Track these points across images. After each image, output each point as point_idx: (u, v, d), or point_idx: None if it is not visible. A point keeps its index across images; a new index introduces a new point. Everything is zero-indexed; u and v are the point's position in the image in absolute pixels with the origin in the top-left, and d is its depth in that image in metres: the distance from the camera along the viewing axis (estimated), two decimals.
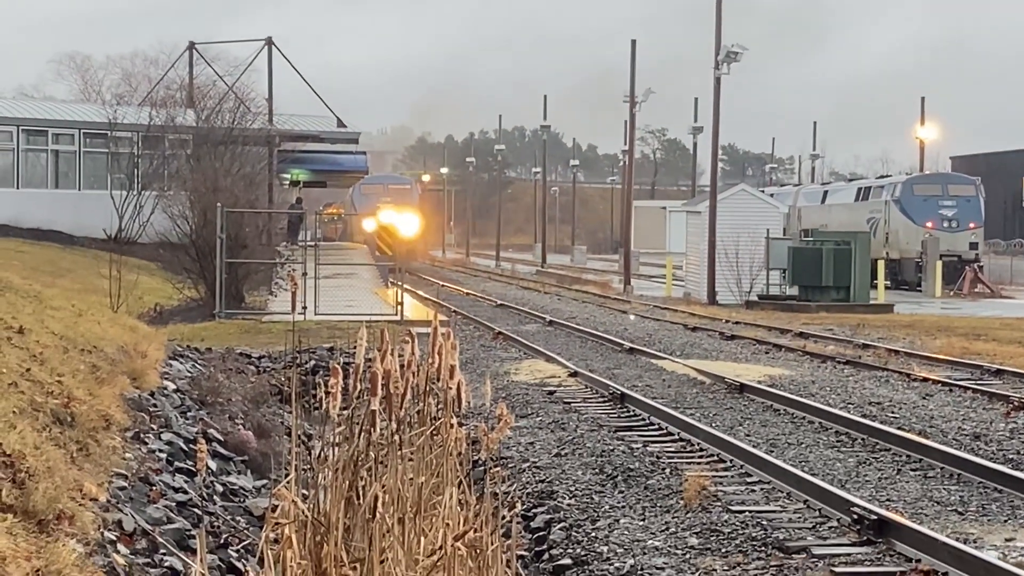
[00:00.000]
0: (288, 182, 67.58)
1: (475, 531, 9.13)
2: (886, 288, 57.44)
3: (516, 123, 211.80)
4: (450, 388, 9.80)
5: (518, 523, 13.35)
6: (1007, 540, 11.81)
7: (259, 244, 41.75)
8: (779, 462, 14.70)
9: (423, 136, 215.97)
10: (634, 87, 65.82)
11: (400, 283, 36.17)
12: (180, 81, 67.06)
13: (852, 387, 23.09)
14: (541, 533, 12.91)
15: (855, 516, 11.91)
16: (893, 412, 19.92)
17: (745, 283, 50.97)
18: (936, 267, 60.17)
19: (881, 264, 55.40)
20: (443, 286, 61.55)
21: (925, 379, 24.04)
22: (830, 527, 12.22)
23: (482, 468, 12.26)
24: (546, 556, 12.17)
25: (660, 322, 39.19)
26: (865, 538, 11.63)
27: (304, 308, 31.90)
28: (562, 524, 12.88)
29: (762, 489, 13.99)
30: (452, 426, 9.76)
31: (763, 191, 64.26)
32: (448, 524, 9.03)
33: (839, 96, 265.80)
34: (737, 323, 38.20)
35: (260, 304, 39.11)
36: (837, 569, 10.76)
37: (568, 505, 13.63)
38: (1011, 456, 16.16)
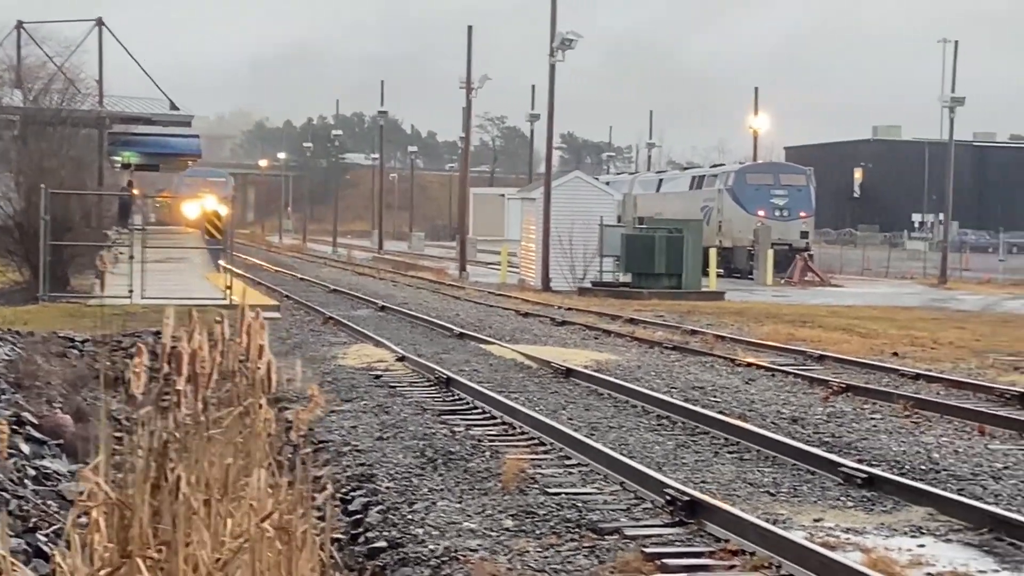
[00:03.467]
0: (119, 164, 66.59)
1: (283, 513, 9.05)
2: (719, 276, 58.14)
3: (356, 109, 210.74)
4: (258, 368, 9.67)
5: (336, 506, 13.30)
6: (815, 520, 11.99)
7: (87, 227, 41.06)
8: (598, 445, 14.77)
9: (261, 121, 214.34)
10: (470, 73, 65.96)
11: (230, 267, 35.85)
12: (8, 61, 65.70)
13: (677, 372, 23.31)
14: (358, 516, 12.84)
15: (668, 497, 12.00)
16: (715, 396, 20.15)
17: (579, 270, 51.25)
18: (768, 256, 61.03)
19: (713, 252, 56.00)
20: (277, 271, 61.15)
21: (749, 364, 24.36)
22: (644, 509, 12.30)
23: (300, 451, 12.15)
24: (362, 539, 12.10)
25: (492, 308, 39.24)
26: (677, 519, 11.72)
27: (131, 291, 31.47)
28: (380, 507, 12.81)
29: (580, 472, 14.04)
30: (260, 406, 9.64)
31: (598, 179, 64.70)
32: (254, 506, 8.93)
33: (679, 86, 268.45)
34: (569, 309, 38.39)
35: (87, 288, 38.48)
36: (648, 550, 10.81)
37: (387, 488, 13.56)
38: (826, 439, 16.41)
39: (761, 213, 64.11)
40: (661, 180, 78.01)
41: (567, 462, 14.57)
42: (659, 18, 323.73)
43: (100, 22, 65.30)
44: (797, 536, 10.80)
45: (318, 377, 22.06)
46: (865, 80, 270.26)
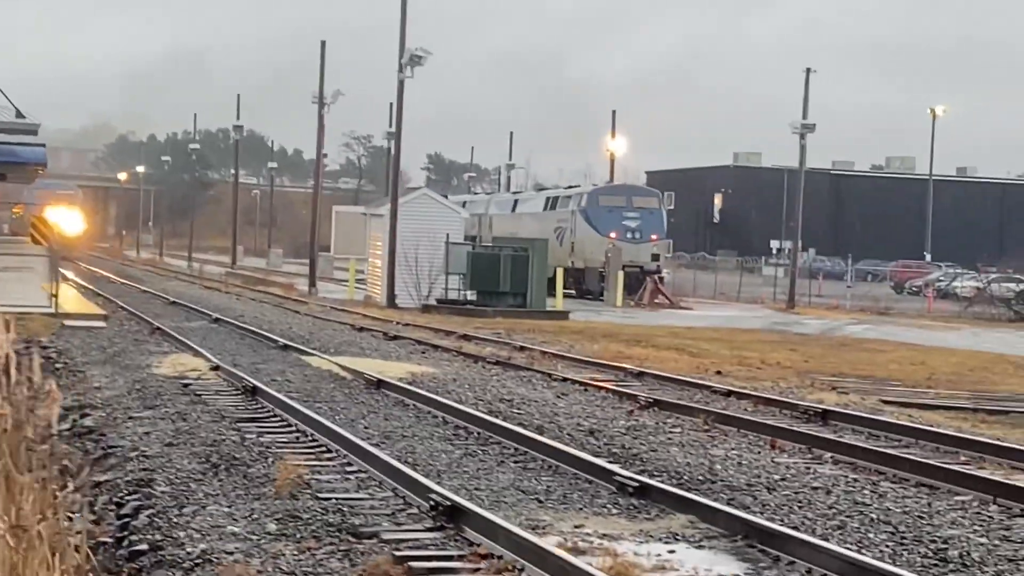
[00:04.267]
0: None
1: (18, 512, 8.92)
2: (571, 297, 58.36)
3: (223, 124, 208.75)
4: None
5: (109, 509, 13.17)
6: (576, 527, 12.04)
7: None
8: (380, 453, 14.74)
9: (124, 134, 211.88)
10: (323, 88, 65.96)
11: (57, 277, 35.49)
12: None
13: (492, 385, 23.33)
14: (127, 519, 12.71)
15: (432, 503, 12.01)
16: (520, 409, 20.18)
17: (424, 287, 51.20)
18: (618, 277, 61.29)
19: (560, 272, 56.13)
20: (124, 283, 60.54)
21: (565, 379, 24.46)
22: (409, 514, 12.31)
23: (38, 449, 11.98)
24: (126, 542, 11.98)
25: (329, 322, 39.11)
26: (438, 524, 11.74)
27: None
28: (150, 511, 12.69)
29: (357, 478, 14.02)
30: None
31: (446, 196, 64.75)
32: None
33: (552, 110, 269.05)
34: (407, 325, 38.37)
35: None
36: (399, 553, 10.80)
37: (162, 493, 13.45)
38: (615, 450, 16.50)
39: (613, 235, 64.39)
40: (517, 201, 78.21)
41: (347, 469, 14.55)
42: (536, 43, 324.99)
43: None
44: (546, 541, 10.84)
45: (127, 385, 21.85)
46: (731, 109, 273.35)
